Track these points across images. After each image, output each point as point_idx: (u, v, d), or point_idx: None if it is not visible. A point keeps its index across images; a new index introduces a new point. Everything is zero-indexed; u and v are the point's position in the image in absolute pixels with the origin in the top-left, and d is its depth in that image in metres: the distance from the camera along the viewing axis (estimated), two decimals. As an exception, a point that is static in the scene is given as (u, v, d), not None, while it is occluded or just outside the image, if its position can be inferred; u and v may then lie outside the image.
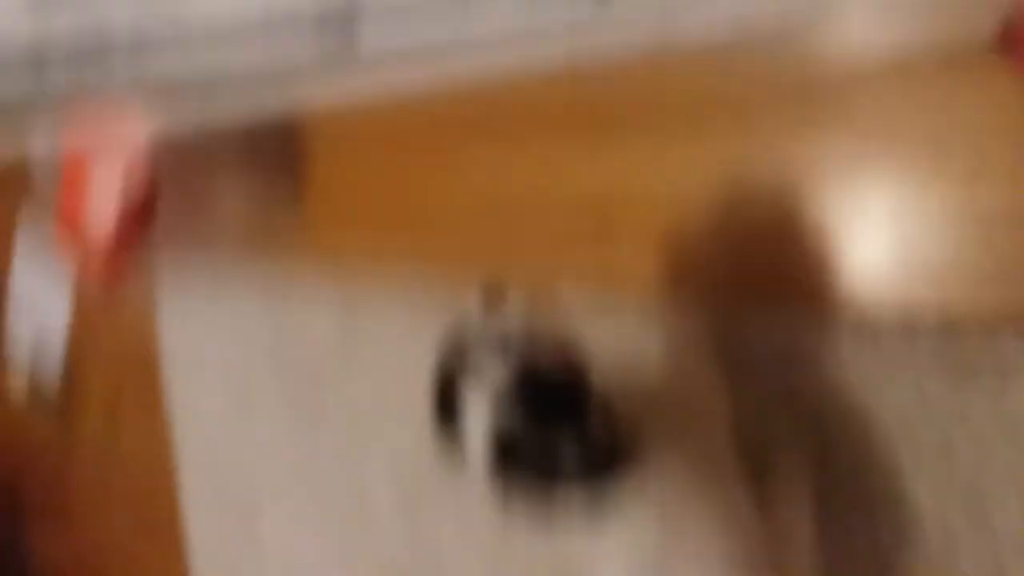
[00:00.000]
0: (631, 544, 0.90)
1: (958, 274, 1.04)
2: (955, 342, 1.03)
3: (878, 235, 1.10)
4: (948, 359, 1.03)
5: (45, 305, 2.26)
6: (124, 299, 1.72)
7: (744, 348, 1.17)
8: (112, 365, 2.23)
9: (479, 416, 0.83)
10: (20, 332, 2.38)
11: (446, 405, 0.88)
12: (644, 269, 1.24)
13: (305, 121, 1.63)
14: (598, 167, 1.29)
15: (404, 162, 1.52)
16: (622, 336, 0.99)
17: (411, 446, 1.59)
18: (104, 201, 1.47)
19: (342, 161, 1.62)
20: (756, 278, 1.18)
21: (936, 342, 1.04)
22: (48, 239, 2.21)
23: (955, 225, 1.04)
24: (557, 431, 0.81)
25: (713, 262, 1.20)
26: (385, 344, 1.58)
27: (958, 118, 1.02)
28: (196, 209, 1.48)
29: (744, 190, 1.17)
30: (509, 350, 0.83)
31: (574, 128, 1.30)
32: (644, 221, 1.25)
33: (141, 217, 1.42)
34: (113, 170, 1.46)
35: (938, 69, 1.02)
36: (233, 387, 1.95)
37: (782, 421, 1.11)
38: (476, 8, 0.88)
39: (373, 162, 1.57)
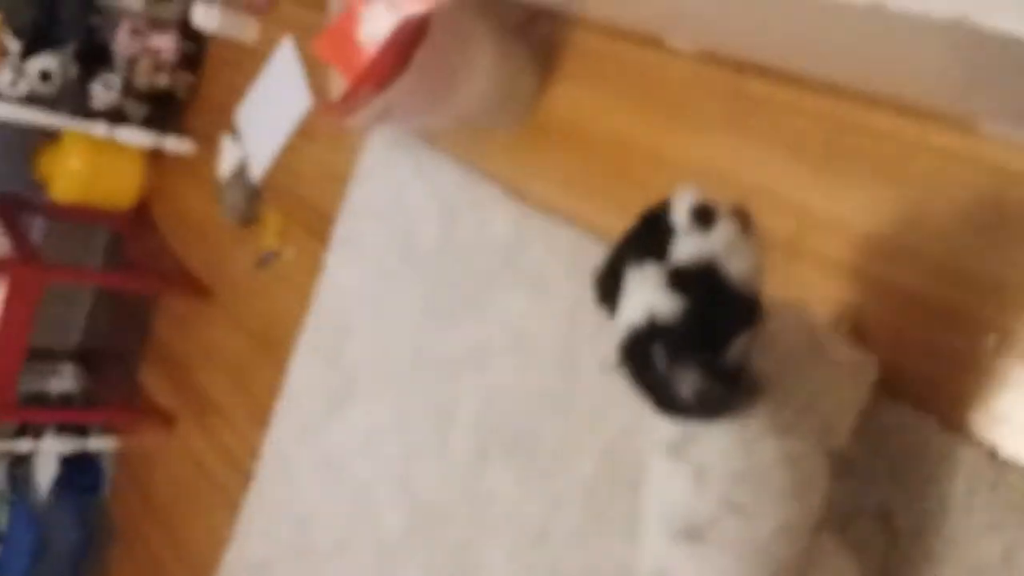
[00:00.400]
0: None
1: None
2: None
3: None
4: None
5: (274, 116, 2.43)
6: (343, 132, 1.82)
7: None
8: (300, 194, 2.37)
9: (640, 298, 0.82)
10: (245, 132, 2.57)
11: (612, 287, 0.87)
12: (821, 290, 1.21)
13: (576, 37, 1.66)
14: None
15: (638, 119, 1.53)
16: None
17: (526, 376, 1.58)
18: (375, 34, 1.56)
19: (584, 87, 1.65)
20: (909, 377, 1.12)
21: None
22: (304, 68, 2.38)
23: None
24: (703, 339, 0.80)
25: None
26: (544, 270, 1.60)
27: None
28: (451, 69, 1.55)
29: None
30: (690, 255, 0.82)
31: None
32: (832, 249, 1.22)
33: (399, 61, 1.50)
34: (393, 10, 1.55)
35: None
36: (386, 260, 2.02)
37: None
38: None
39: (610, 104, 1.59)
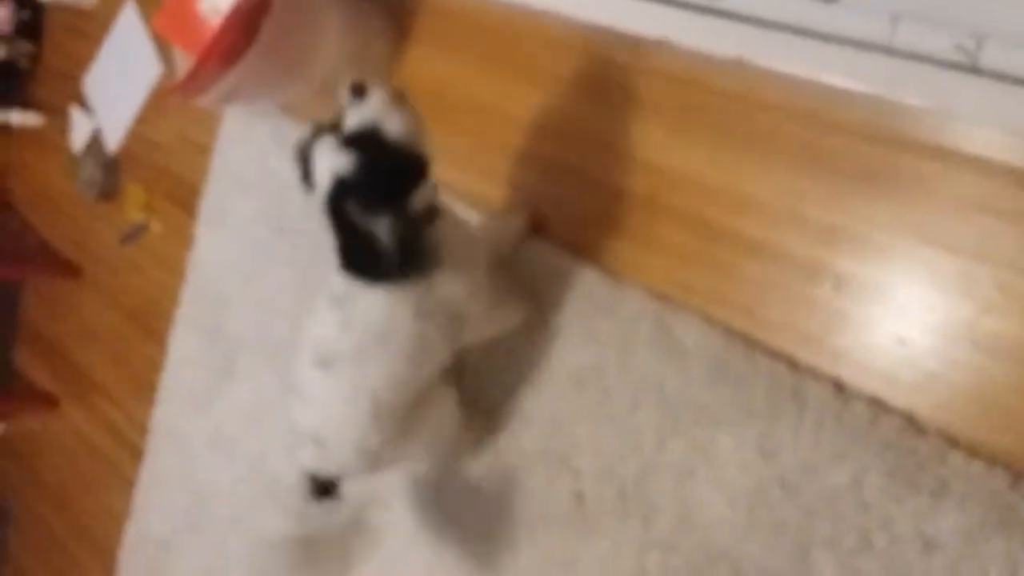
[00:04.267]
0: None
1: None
2: (913, 450, 1.06)
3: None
4: (900, 463, 1.06)
5: (124, 85, 2.34)
6: (191, 107, 1.77)
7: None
8: (160, 165, 2.31)
9: (324, 164, 1.05)
10: (95, 103, 2.46)
11: (305, 166, 1.09)
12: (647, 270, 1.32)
13: None
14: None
15: (491, 81, 1.56)
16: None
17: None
18: (216, 7, 1.52)
19: (437, 49, 1.66)
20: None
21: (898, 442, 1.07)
22: (148, 29, 2.28)
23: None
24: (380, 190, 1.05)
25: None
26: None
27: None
28: (299, 41, 1.52)
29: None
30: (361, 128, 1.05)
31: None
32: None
33: (244, 37, 1.47)
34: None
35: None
36: (257, 230, 2.00)
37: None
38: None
39: (463, 65, 1.61)
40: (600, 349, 1.35)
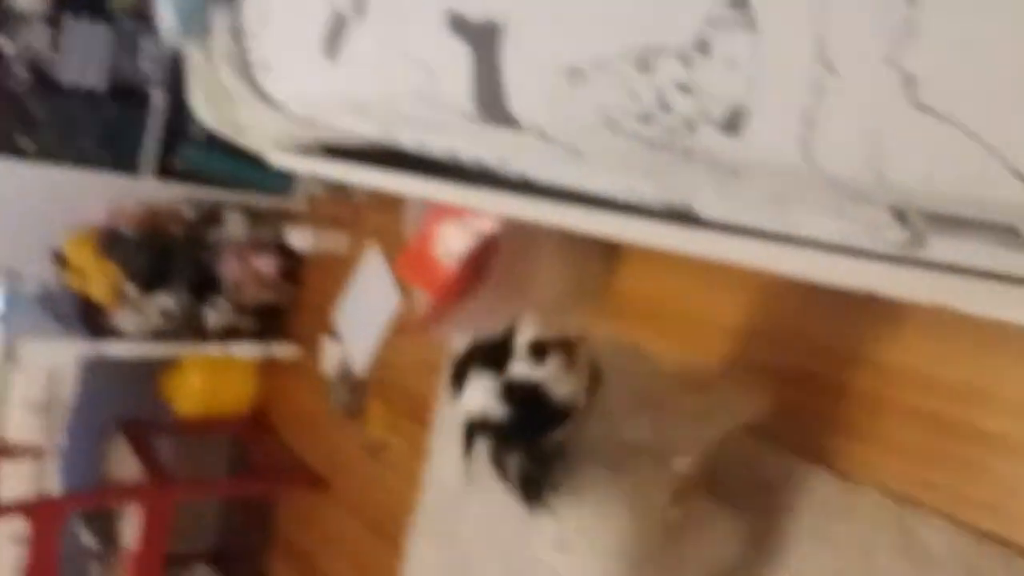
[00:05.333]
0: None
1: None
2: None
3: None
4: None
5: (369, 315, 2.64)
6: (431, 339, 1.98)
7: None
8: (400, 385, 2.54)
9: (477, 399, 1.10)
10: (343, 332, 2.79)
11: (458, 382, 1.14)
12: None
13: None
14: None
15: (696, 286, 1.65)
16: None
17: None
18: (451, 252, 1.74)
19: (645, 262, 1.79)
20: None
21: None
22: (390, 270, 2.59)
23: None
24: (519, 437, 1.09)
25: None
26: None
27: None
28: (523, 275, 1.70)
29: None
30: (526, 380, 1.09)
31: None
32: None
33: (476, 275, 1.67)
34: (465, 230, 1.73)
35: None
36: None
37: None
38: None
39: (670, 275, 1.72)
40: (839, 553, 1.32)
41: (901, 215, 0.64)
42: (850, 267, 0.68)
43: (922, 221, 0.63)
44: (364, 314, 2.66)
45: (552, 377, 1.09)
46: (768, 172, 0.67)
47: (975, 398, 1.22)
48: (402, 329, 2.51)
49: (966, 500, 1.21)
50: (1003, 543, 1.16)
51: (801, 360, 1.46)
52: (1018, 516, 1.16)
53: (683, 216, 0.86)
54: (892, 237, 0.66)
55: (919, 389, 1.29)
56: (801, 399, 1.45)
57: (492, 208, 1.22)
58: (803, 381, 1.45)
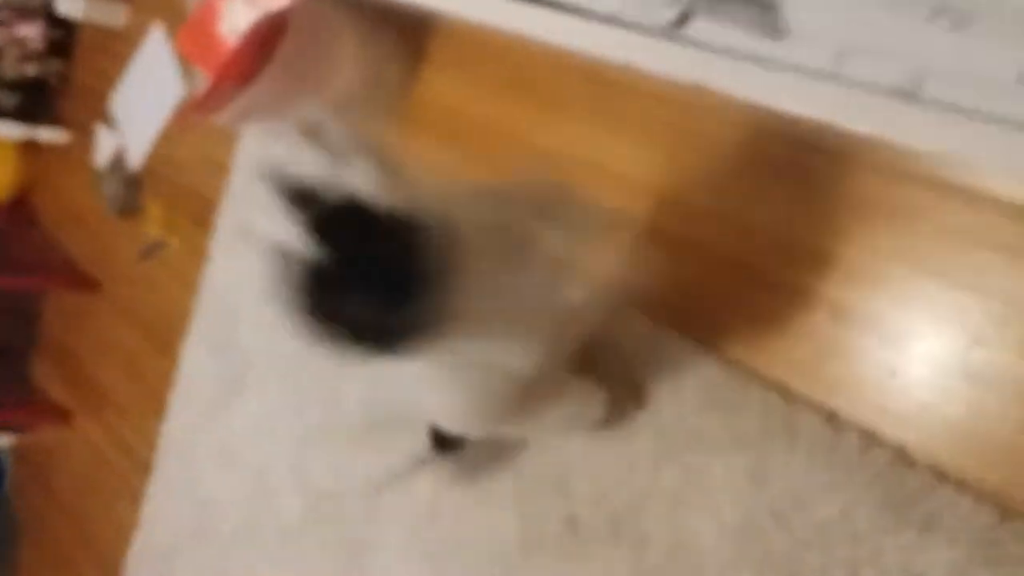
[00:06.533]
0: None
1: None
2: (903, 482, 1.05)
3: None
4: (892, 494, 1.06)
5: (149, 103, 2.39)
6: (209, 126, 1.81)
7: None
8: (180, 183, 2.35)
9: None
10: (120, 121, 2.52)
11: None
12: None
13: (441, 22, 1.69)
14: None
15: (503, 106, 1.58)
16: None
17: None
18: (236, 28, 1.56)
19: (453, 74, 1.69)
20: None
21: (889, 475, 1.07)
22: (175, 53, 2.34)
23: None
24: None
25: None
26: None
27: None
28: (314, 61, 1.56)
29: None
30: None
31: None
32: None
33: (261, 56, 1.51)
34: (254, 4, 1.55)
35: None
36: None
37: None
38: None
39: (479, 88, 1.63)
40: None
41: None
42: (620, 39, 0.63)
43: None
44: (144, 101, 2.40)
45: (365, 181, 0.83)
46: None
47: (742, 235, 1.24)
48: (182, 119, 2.30)
49: (719, 328, 1.25)
50: (745, 370, 1.21)
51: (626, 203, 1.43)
52: (762, 347, 1.21)
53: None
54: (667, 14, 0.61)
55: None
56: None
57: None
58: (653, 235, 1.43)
